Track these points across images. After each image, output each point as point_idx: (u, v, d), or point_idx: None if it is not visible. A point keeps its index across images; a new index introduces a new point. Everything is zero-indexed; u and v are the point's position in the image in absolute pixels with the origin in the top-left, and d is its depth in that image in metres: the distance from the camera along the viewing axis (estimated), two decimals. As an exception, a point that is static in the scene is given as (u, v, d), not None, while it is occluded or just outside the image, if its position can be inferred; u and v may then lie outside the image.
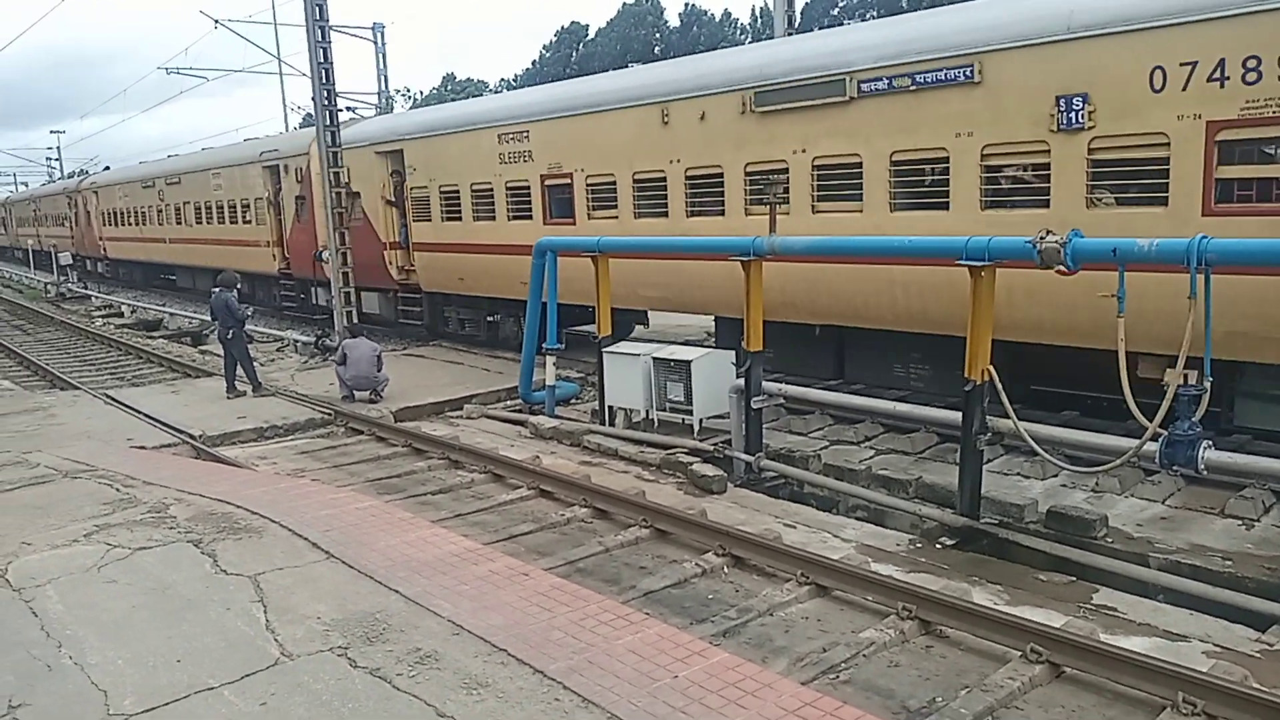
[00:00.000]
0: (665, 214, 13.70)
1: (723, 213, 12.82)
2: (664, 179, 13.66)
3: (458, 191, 17.82)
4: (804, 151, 11.72)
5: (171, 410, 13.78)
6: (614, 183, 14.48)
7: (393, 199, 19.98)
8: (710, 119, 12.83)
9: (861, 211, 11.23)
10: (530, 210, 16.13)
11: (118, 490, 9.08)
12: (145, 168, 36.82)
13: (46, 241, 51.51)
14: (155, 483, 9.30)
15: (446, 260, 16.85)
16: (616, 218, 14.43)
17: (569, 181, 15.30)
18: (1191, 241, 6.69)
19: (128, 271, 40.79)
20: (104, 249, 40.86)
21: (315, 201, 21.05)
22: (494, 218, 17.01)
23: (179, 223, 31.41)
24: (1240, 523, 8.21)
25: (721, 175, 12.80)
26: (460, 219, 17.85)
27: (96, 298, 35.00)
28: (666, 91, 13.55)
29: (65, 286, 38.04)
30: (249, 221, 25.97)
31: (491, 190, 16.98)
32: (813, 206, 11.68)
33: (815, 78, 11.47)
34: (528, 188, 16.08)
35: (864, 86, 10.98)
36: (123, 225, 37.83)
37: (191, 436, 12.20)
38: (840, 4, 64.91)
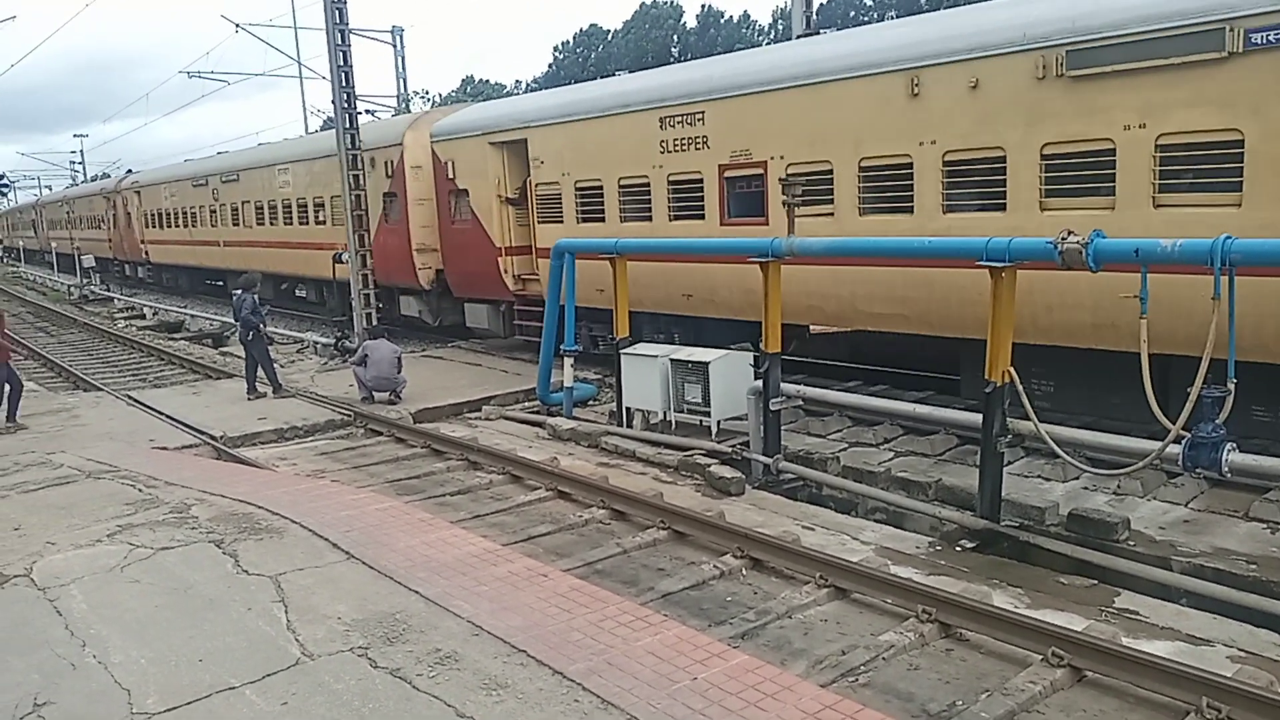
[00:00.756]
0: (909, 209, 11.08)
1: (1003, 208, 10.27)
2: (909, 166, 11.05)
3: (600, 187, 15.14)
4: (1142, 127, 9.13)
5: (193, 411, 13.89)
6: (829, 172, 11.79)
7: (513, 197, 17.43)
8: (986, 88, 10.26)
9: (1240, 206, 8.64)
10: (701, 208, 13.49)
11: (140, 491, 9.16)
12: (196, 164, 34.08)
13: (81, 245, 48.11)
14: (177, 483, 9.37)
15: (583, 268, 13.52)
16: (832, 214, 11.73)
17: (760, 172, 12.61)
18: (1215, 242, 6.62)
19: (172, 277, 38.10)
20: (146, 253, 38.46)
21: (410, 198, 19.33)
22: (650, 217, 14.28)
23: (236, 224, 28.60)
24: (1265, 526, 8.11)
25: (1002, 159, 10.20)
26: (603, 219, 15.10)
27: (119, 300, 35.30)
28: (917, 56, 10.89)
29: (88, 289, 38.34)
30: (322, 222, 23.14)
31: (647, 185, 14.29)
32: (1153, 199, 9.14)
33: (1171, 28, 8.85)
34: (699, 181, 13.43)
35: (1255, 38, 8.41)
36: (168, 227, 35.10)
37: (212, 437, 12.29)
38: (858, 4, 64.76)
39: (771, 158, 12.47)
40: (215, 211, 30.19)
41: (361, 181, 18.83)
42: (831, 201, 11.82)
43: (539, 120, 16.48)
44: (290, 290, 27.07)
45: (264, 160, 26.80)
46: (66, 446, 11.53)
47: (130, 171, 47.39)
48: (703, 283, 13.71)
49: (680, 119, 13.64)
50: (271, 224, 26.24)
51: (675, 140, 13.75)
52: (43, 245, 58.68)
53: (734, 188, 13.19)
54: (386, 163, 19.93)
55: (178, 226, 34.03)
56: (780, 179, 11.41)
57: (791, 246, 9.90)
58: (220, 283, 32.63)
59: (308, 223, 24.09)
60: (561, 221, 15.96)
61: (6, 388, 13.31)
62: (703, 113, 13.33)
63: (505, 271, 17.52)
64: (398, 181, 19.65)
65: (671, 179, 13.95)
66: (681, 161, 13.71)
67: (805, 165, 11.99)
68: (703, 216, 13.47)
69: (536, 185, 16.52)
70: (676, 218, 13.97)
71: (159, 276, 39.39)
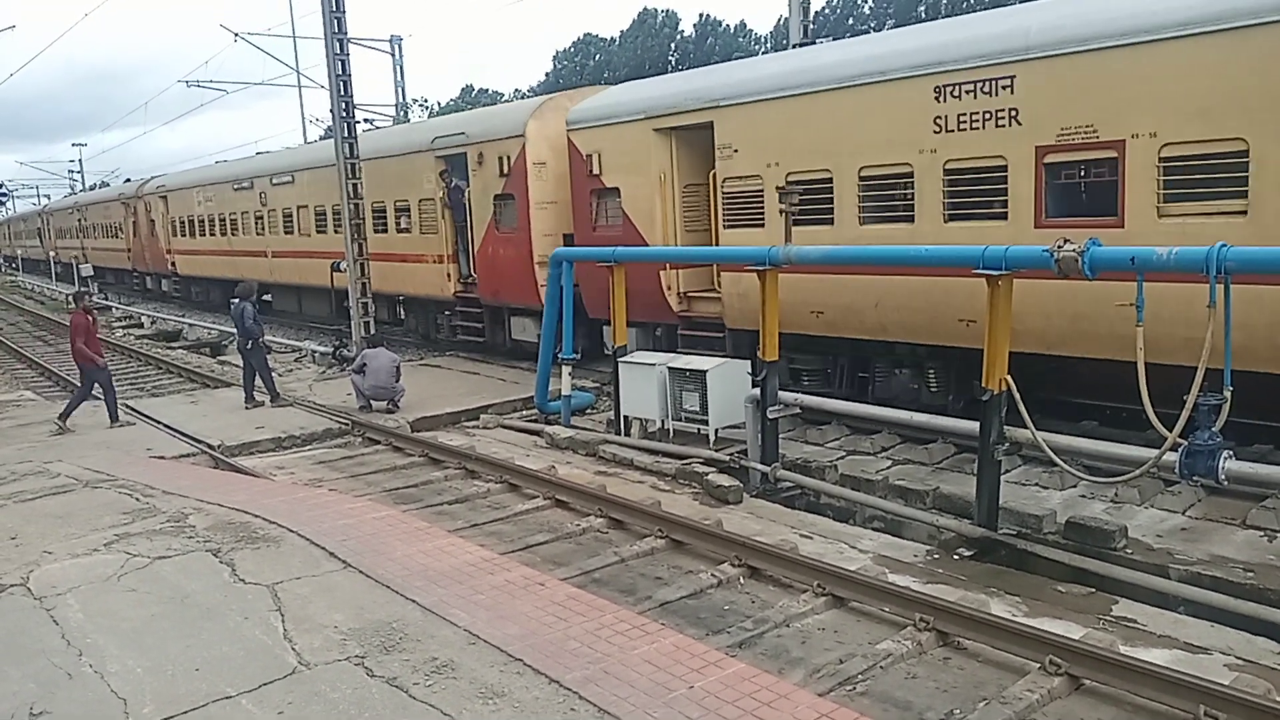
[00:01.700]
0: None
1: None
2: None
3: (828, 181, 11.63)
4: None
5: (190, 420, 13.88)
6: (1242, 152, 8.39)
7: (688, 196, 14.44)
8: None
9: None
10: (1003, 204, 10.12)
11: (137, 500, 9.15)
12: (238, 164, 30.67)
13: (94, 255, 45.12)
14: (174, 492, 9.37)
15: (791, 285, 10.69)
16: (1244, 212, 8.44)
17: (1112, 155, 9.27)
18: (1211, 250, 6.64)
19: (203, 291, 33.63)
20: (172, 264, 34.36)
21: (531, 201, 16.25)
22: (909, 217, 10.97)
23: (290, 232, 24.95)
24: (1262, 534, 8.12)
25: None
26: (830, 221, 11.60)
27: (117, 309, 35.28)
28: None
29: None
30: (405, 230, 19.82)
31: (908, 176, 10.93)
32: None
33: None
34: (1000, 169, 10.08)
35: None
36: (201, 235, 31.34)
37: (210, 446, 12.29)
38: (855, 14, 65.01)
39: (1134, 135, 9.06)
40: (262, 218, 26.58)
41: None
42: (1243, 190, 8.50)
43: (732, 98, 12.93)
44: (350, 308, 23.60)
45: (329, 159, 21.33)
46: (63, 455, 11.53)
47: (129, 180, 47.04)
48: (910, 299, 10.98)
49: (974, 87, 10.24)
50: (338, 232, 21.52)
51: (965, 116, 10.36)
52: (49, 255, 53.98)
53: (1059, 176, 9.95)
54: (501, 159, 16.69)
55: (213, 235, 30.28)
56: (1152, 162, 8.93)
57: (788, 254, 9.92)
58: (268, 298, 26.88)
59: (386, 230, 20.33)
60: (762, 225, 12.48)
61: (96, 387, 14.10)
62: (1012, 78, 9.96)
63: (669, 288, 14.31)
64: (515, 181, 16.55)
65: (953, 167, 10.54)
66: (975, 144, 10.32)
67: (1199, 145, 8.67)
68: (1004, 215, 10.14)
69: (724, 180, 13.09)
70: (958, 217, 10.55)
71: (187, 290, 35.27)
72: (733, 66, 15.19)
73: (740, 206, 12.99)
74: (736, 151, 12.93)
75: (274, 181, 25.82)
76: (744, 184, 12.87)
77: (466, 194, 17.87)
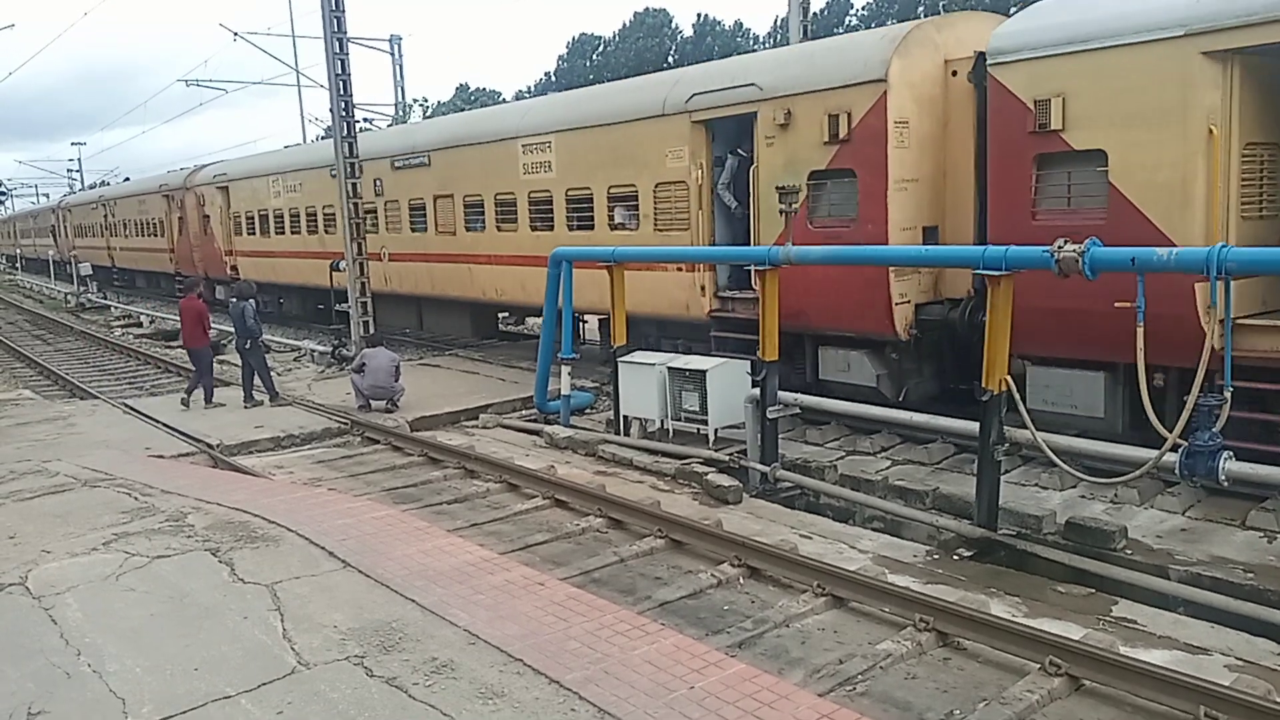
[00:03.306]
0: None
1: None
2: None
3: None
4: None
5: (189, 420, 13.87)
6: None
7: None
8: None
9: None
10: None
11: (136, 499, 9.14)
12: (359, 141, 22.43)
13: (123, 257, 40.32)
14: (173, 491, 9.35)
15: None
16: None
17: None
18: (1211, 250, 6.64)
19: (274, 299, 27.73)
20: (232, 267, 28.14)
21: (890, 178, 11.03)
22: None
23: (420, 229, 19.72)
24: (1262, 535, 8.13)
25: None
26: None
27: (115, 308, 35.25)
28: None
29: (85, 297, 38.28)
30: (621, 226, 14.73)
31: None
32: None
33: None
34: None
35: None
36: (278, 233, 25.45)
37: (209, 446, 12.27)
38: (854, 11, 65.04)
39: None
40: (376, 212, 21.20)
41: (358, 190, 18.01)
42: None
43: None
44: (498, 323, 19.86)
45: (494, 132, 17.49)
46: (62, 454, 11.51)
47: (128, 179, 46.48)
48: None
49: None
50: (502, 228, 17.17)
51: None
52: (64, 256, 47.91)
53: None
54: (831, 119, 11.47)
55: (296, 232, 24.50)
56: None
57: (788, 254, 9.91)
58: (339, 305, 22.67)
59: (590, 225, 15.25)
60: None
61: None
62: None
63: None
64: (858, 150, 11.30)
65: None
66: None
67: None
68: None
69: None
70: None
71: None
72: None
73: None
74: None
75: (397, 164, 20.14)
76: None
77: (751, 172, 12.55)
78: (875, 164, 11.13)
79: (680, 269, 13.63)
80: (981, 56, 10.35)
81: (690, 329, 13.94)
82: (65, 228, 51.24)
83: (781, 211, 10.16)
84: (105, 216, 42.40)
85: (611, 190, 14.81)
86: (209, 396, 15.15)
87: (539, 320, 14.03)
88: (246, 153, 33.23)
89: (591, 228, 15.19)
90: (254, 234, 27.08)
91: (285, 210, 24.97)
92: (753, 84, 12.55)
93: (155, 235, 35.38)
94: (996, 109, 10.09)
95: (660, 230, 13.98)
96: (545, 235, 15.98)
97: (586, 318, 17.43)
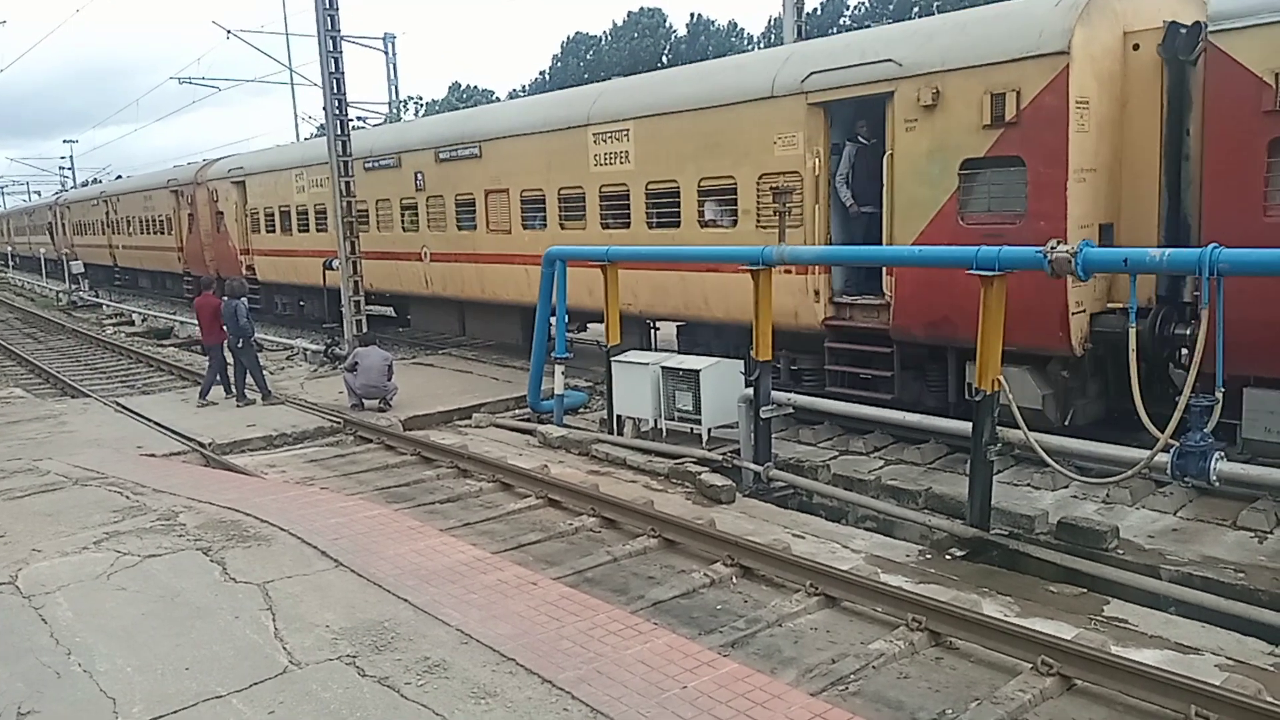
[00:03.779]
0: None
1: None
2: None
3: None
4: None
5: (181, 418, 13.82)
6: None
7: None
8: None
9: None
10: None
11: (127, 498, 9.10)
12: (373, 133, 22.81)
13: (126, 256, 38.75)
14: (165, 490, 9.32)
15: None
16: None
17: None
18: (1203, 251, 6.66)
19: (293, 302, 25.92)
20: (248, 267, 26.54)
21: (1070, 168, 9.56)
22: None
23: (469, 225, 18.00)
24: (1252, 535, 8.16)
25: None
26: None
27: (107, 306, 35.13)
28: None
29: (76, 295, 38.14)
30: (712, 223, 13.25)
31: None
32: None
33: None
34: None
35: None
36: (301, 231, 23.61)
37: (201, 444, 12.24)
38: (848, 11, 65.10)
39: None
40: (416, 207, 19.39)
41: (352, 189, 17.93)
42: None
43: None
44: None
45: (551, 120, 15.90)
46: (53, 453, 11.46)
47: (120, 177, 46.09)
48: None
49: None
50: (566, 226, 15.62)
51: None
52: (62, 254, 46.16)
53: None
54: (994, 98, 9.97)
55: (319, 230, 22.67)
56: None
57: (782, 254, 9.92)
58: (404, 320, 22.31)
59: (675, 222, 13.69)
60: None
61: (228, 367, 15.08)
62: None
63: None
64: (1029, 134, 9.81)
65: None
66: None
67: None
68: None
69: None
70: None
71: (269, 300, 26.86)
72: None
73: None
74: None
75: (442, 156, 18.45)
76: None
77: (884, 161, 10.99)
78: (1051, 151, 9.61)
79: (790, 270, 11.60)
80: (1174, 27, 9.26)
81: (795, 340, 12.21)
82: (63, 225, 49.23)
83: (775, 210, 10.17)
84: (107, 214, 40.40)
85: (703, 183, 13.24)
86: (204, 393, 15.17)
87: (600, 326, 13.07)
88: (233, 150, 32.86)
89: (676, 225, 13.63)
90: (273, 231, 25.11)
91: (310, 207, 23.11)
92: (889, 60, 10.97)
93: (162, 233, 33.48)
94: (1218, 85, 8.75)
95: (764, 227, 12.12)
96: (619, 234, 14.45)
97: (658, 324, 15.58)
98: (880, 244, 11.07)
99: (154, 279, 37.84)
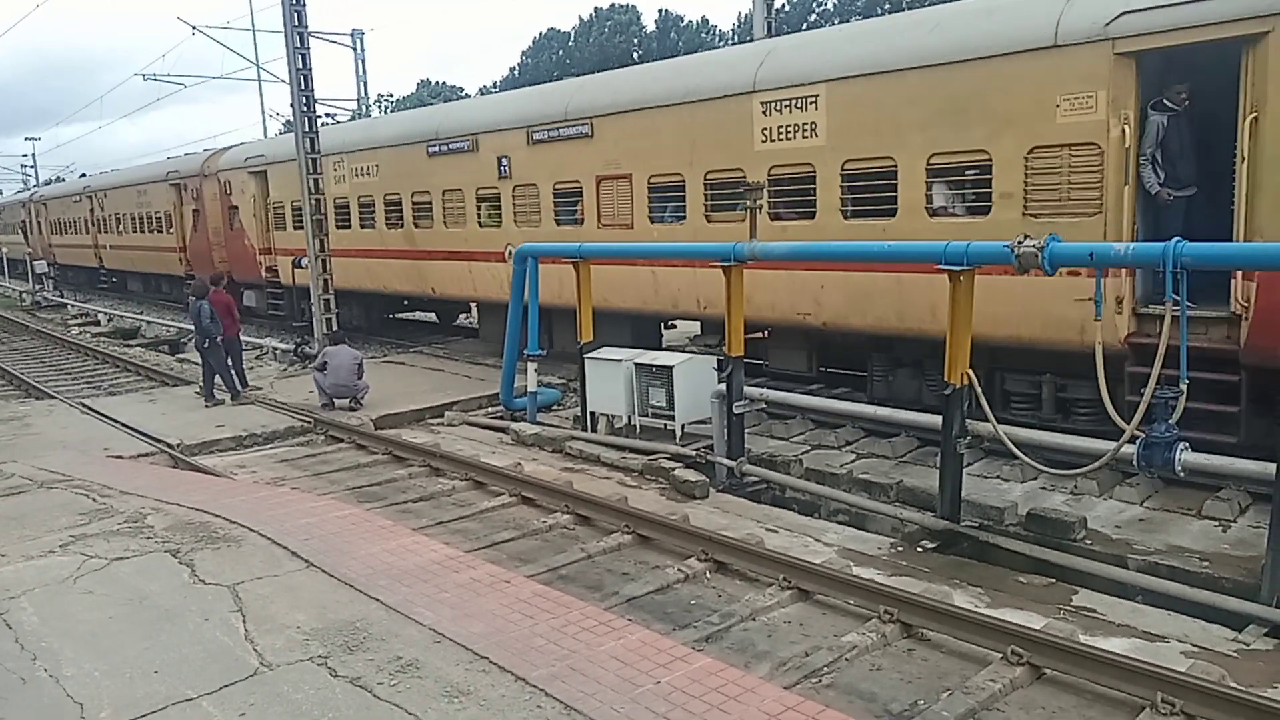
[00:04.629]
0: None
1: None
2: None
3: None
4: None
5: (149, 419, 13.66)
6: None
7: None
8: None
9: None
10: None
11: (94, 500, 8.98)
12: (426, 115, 20.20)
13: (115, 257, 35.26)
14: (132, 492, 9.21)
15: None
16: None
17: None
18: (1166, 245, 6.74)
19: (361, 310, 22.56)
20: (268, 268, 23.78)
21: None
22: None
23: (569, 217, 15.33)
24: (1217, 524, 8.28)
25: None
26: None
27: (73, 306, 34.61)
28: None
29: (40, 295, 37.54)
30: (946, 211, 10.73)
31: None
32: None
33: None
34: None
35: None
36: (337, 229, 19.98)
37: (169, 445, 12.10)
38: (817, 9, 65.32)
39: None
40: (499, 199, 16.48)
41: (320, 186, 17.67)
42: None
43: None
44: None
45: (697, 88, 13.03)
46: (18, 456, 11.29)
47: (84, 175, 45.16)
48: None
49: None
50: (714, 218, 12.95)
51: None
52: (39, 254, 43.05)
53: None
54: None
55: (364, 226, 20.20)
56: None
57: (754, 250, 9.94)
58: (466, 319, 20.11)
59: (890, 210, 10.96)
60: None
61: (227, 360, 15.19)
62: None
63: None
64: None
65: None
66: None
67: None
68: None
69: None
70: None
71: (291, 306, 23.18)
72: None
73: None
74: None
75: (536, 136, 15.57)
76: None
77: (1246, 129, 8.32)
78: None
79: (1073, 273, 8.75)
80: None
81: (1065, 360, 9.69)
82: (39, 223, 45.31)
83: (746, 207, 10.18)
84: (92, 210, 36.86)
85: (934, 161, 10.58)
86: (217, 391, 15.30)
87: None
88: (204, 147, 31.89)
89: (889, 214, 10.92)
90: (303, 228, 20.36)
91: (352, 199, 20.32)
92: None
93: (159, 231, 30.15)
94: None
95: (1034, 215, 9.71)
96: (799, 226, 11.74)
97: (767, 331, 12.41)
98: (1211, 239, 7.75)
99: (146, 282, 34.79)
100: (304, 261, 18.64)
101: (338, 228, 20.19)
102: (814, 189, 11.67)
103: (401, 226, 19.00)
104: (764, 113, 12.07)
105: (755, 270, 10.50)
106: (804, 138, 11.71)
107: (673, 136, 13.32)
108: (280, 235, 22.93)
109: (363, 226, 20.22)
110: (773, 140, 12.06)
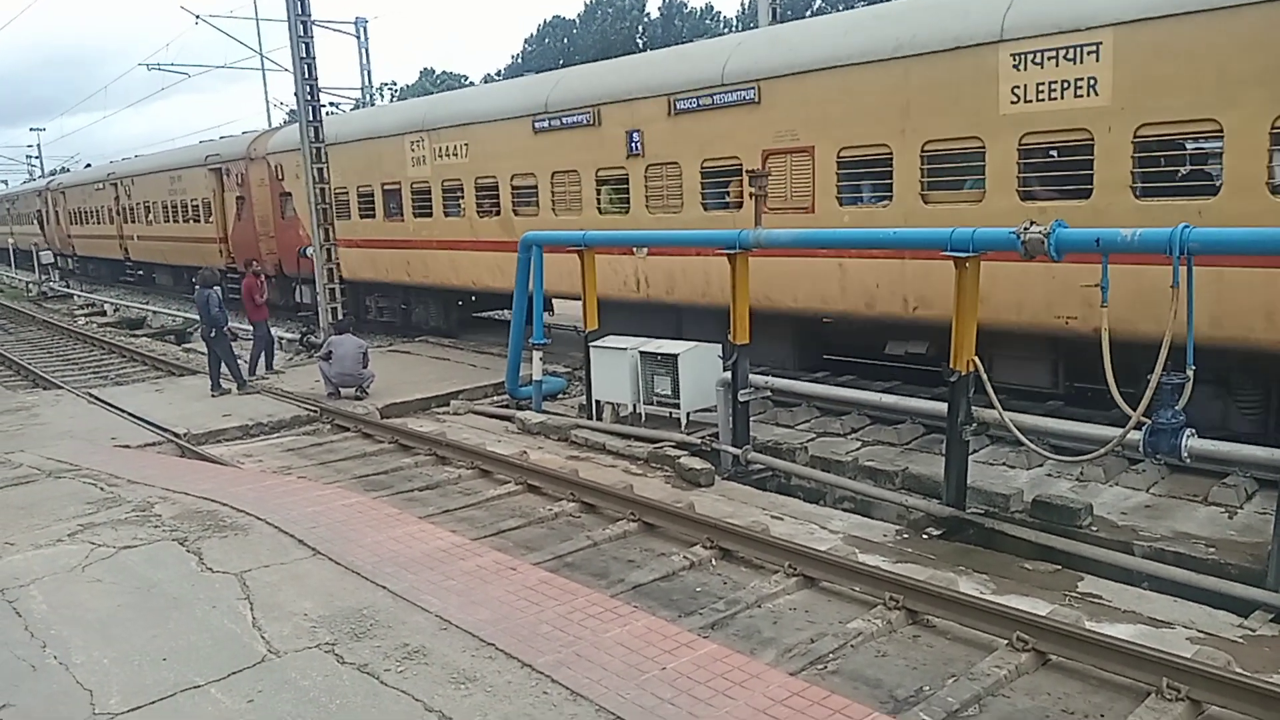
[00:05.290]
0: None
1: None
2: None
3: None
4: None
5: (155, 409, 13.69)
6: None
7: None
8: None
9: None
10: None
11: (102, 489, 9.01)
12: (527, 86, 17.09)
13: (143, 249, 32.72)
14: (140, 481, 9.24)
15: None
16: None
17: None
18: (1174, 231, 6.71)
19: (391, 305, 21.18)
20: (325, 262, 19.11)
21: None
22: None
23: (722, 204, 13.14)
24: (1223, 510, 8.27)
25: None
26: None
27: (79, 296, 34.67)
28: None
29: (47, 285, 37.59)
30: (1191, 190, 9.04)
31: None
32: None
33: None
34: None
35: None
36: (416, 216, 18.58)
37: (176, 435, 12.13)
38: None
39: None
40: (627, 181, 14.33)
41: (325, 175, 17.70)
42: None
43: None
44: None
45: (911, 40, 10.74)
46: (26, 445, 11.32)
47: (89, 166, 45.02)
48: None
49: None
50: (930, 198, 10.82)
51: None
52: (54, 245, 41.77)
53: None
54: None
55: (448, 214, 17.99)
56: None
57: (758, 238, 9.92)
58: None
59: (1208, 189, 8.93)
60: None
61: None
62: None
63: None
64: None
65: None
66: None
67: None
68: None
69: None
70: None
71: (355, 303, 20.76)
72: None
73: None
74: None
75: (681, 105, 13.27)
76: None
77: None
78: None
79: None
80: None
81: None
82: (56, 213, 42.69)
83: (752, 195, 10.15)
84: (117, 198, 34.05)
85: (1164, 130, 9.00)
86: (252, 369, 15.97)
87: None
88: (207, 136, 31.59)
89: (1209, 192, 8.83)
90: (372, 216, 19.81)
91: (435, 182, 17.96)
92: None
93: (197, 220, 27.59)
94: None
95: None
96: (1067, 209, 9.24)
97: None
98: None
99: (177, 275, 31.54)
100: (309, 251, 18.63)
101: (415, 215, 18.55)
102: (1091, 162, 9.48)
103: (497, 214, 16.59)
104: (1013, 67, 9.84)
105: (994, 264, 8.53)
106: (1077, 97, 9.46)
107: (876, 99, 11.06)
108: (344, 224, 19.95)
109: (447, 214, 17.99)
110: (1027, 100, 9.81)
